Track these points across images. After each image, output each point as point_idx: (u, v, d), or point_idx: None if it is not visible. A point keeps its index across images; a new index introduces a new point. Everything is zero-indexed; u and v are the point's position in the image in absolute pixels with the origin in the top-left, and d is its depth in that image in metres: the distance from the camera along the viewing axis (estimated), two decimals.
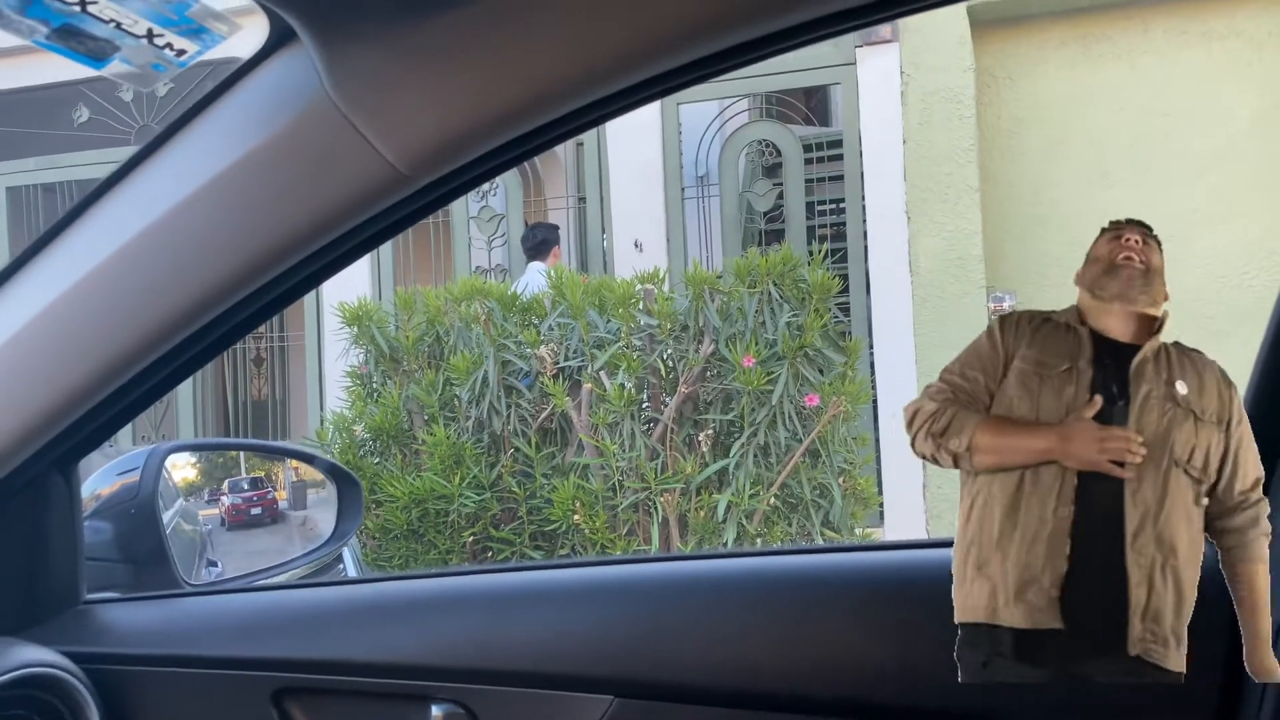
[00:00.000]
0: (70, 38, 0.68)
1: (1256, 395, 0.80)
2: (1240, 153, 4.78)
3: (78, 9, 0.66)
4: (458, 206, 5.46)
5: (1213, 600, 0.82)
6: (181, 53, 0.74)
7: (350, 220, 0.78)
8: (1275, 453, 0.80)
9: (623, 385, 3.66)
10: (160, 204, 0.79)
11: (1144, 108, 4.88)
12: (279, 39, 0.74)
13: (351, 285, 4.99)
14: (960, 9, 4.85)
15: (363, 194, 0.76)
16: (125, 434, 5.39)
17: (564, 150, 6.11)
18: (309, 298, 5.62)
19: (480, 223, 5.52)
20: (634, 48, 0.68)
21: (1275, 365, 0.78)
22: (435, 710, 0.95)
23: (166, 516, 1.33)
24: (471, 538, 3.86)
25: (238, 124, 0.76)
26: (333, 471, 1.45)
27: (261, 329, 6.38)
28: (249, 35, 0.78)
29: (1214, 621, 0.81)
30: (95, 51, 0.70)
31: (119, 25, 0.68)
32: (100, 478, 1.18)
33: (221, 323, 0.84)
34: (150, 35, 0.71)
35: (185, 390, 5.78)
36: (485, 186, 5.46)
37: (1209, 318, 4.78)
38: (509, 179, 5.53)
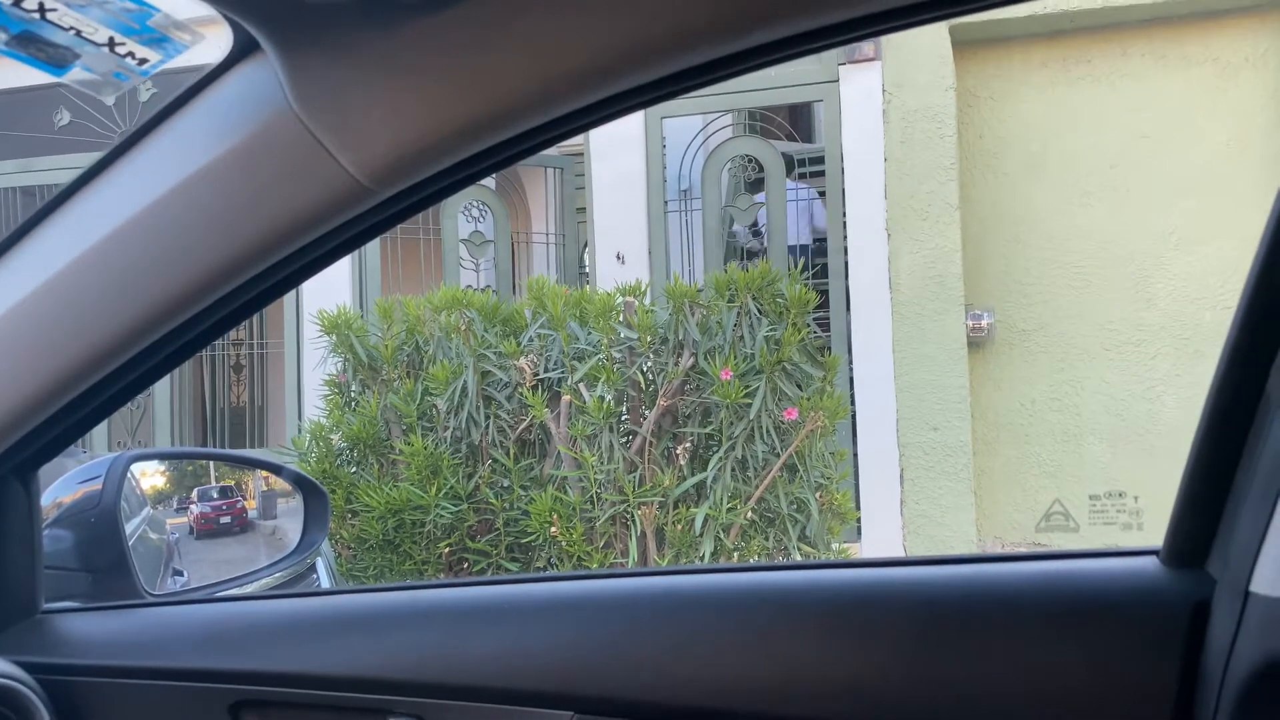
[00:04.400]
0: (29, 44, 0.68)
1: (1215, 402, 0.80)
2: (1216, 176, 4.83)
3: (37, 15, 0.66)
4: (449, 226, 5.50)
5: (1172, 601, 0.82)
6: (144, 61, 0.74)
7: (311, 232, 0.78)
8: (1233, 460, 0.80)
9: (602, 397, 3.66)
10: (121, 213, 0.78)
11: (1123, 129, 4.93)
12: (242, 50, 0.74)
13: (333, 294, 4.98)
14: (942, 29, 4.89)
15: (324, 206, 0.76)
16: (100, 439, 5.35)
17: (544, 172, 6.14)
18: (288, 305, 5.60)
19: (471, 246, 5.56)
20: (602, 63, 0.68)
21: (1234, 381, 0.79)
22: None
23: (133, 525, 1.32)
24: (448, 549, 3.84)
25: (199, 134, 0.76)
26: (299, 482, 1.44)
27: (241, 335, 6.36)
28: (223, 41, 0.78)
29: (1170, 626, 0.81)
30: (55, 59, 0.70)
31: (79, 33, 0.68)
32: (61, 486, 1.17)
33: (182, 332, 0.84)
34: (112, 43, 0.71)
35: (163, 396, 5.75)
36: (475, 212, 5.54)
37: (1185, 339, 4.82)
38: (494, 204, 5.59)
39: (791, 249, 5.20)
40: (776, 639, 0.91)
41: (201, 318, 0.83)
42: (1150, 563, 0.87)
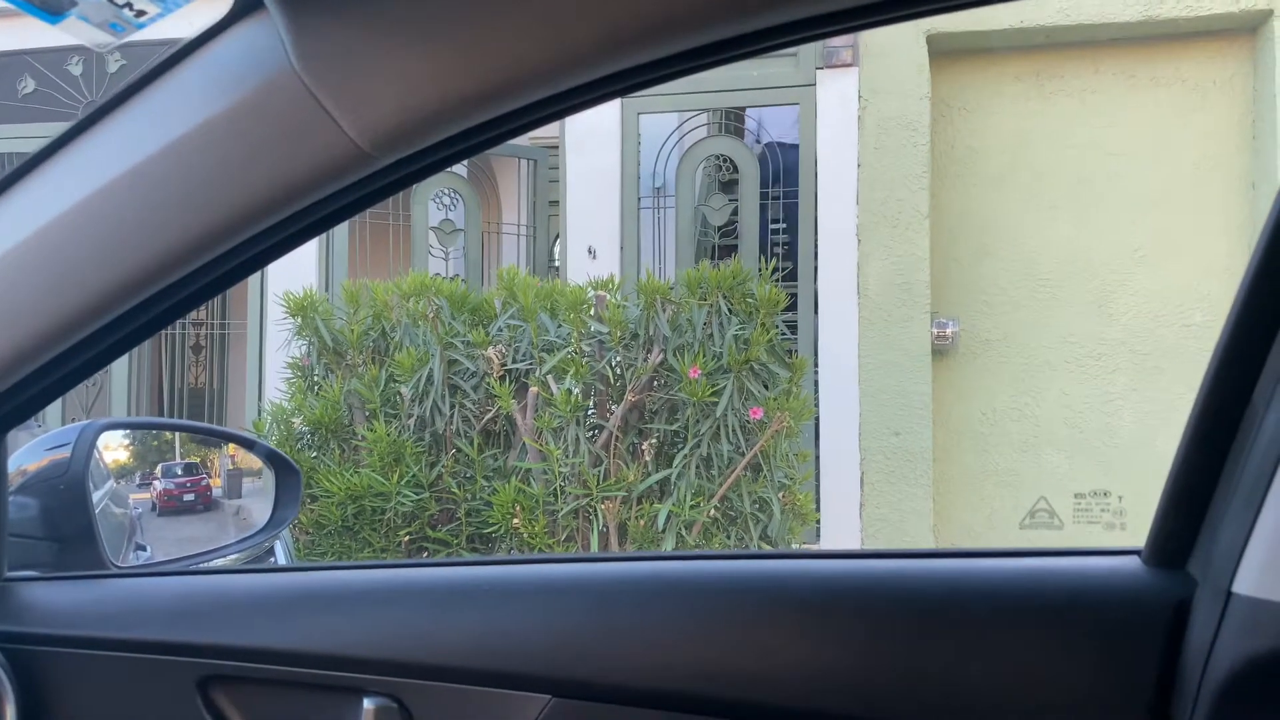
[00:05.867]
0: None
1: (1202, 406, 0.81)
2: (1181, 196, 4.92)
3: None
4: (419, 213, 5.45)
5: (1153, 600, 0.83)
6: (141, 14, 0.72)
7: (308, 196, 0.76)
8: (1218, 463, 0.82)
9: (570, 390, 3.64)
10: (111, 169, 0.76)
11: (1092, 146, 5.00)
12: (244, 7, 0.73)
13: (299, 275, 4.92)
14: (920, 39, 4.93)
15: (322, 170, 0.74)
16: (55, 416, 5.25)
17: (518, 163, 6.12)
18: (253, 285, 5.53)
19: (441, 234, 5.52)
20: (614, 38, 0.67)
21: (1221, 386, 0.80)
22: (367, 703, 0.93)
23: (96, 497, 1.29)
24: (408, 537, 3.81)
25: (196, 91, 0.74)
26: (271, 458, 1.42)
27: (202, 315, 6.26)
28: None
29: (1151, 625, 0.82)
30: (51, 4, 0.68)
31: None
32: (28, 452, 1.14)
33: (169, 295, 0.82)
34: None
35: (120, 374, 5.65)
36: (446, 200, 5.49)
37: (1145, 354, 4.90)
38: (466, 193, 5.56)
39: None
40: (758, 627, 0.91)
41: (190, 280, 0.81)
42: (1132, 562, 0.88)
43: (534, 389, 3.74)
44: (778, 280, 3.91)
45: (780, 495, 3.77)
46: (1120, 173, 4.97)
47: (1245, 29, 4.83)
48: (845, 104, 5.04)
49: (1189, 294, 4.87)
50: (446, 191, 5.54)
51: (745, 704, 0.89)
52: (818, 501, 4.76)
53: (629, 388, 3.69)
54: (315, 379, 4.18)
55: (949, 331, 5.01)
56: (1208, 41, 4.90)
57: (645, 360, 3.69)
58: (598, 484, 3.61)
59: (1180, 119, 4.93)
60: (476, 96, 0.71)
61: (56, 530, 1.08)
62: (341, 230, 5.46)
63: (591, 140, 5.28)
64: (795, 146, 5.30)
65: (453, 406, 3.86)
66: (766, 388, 3.74)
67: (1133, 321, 4.92)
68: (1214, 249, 4.86)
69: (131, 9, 0.71)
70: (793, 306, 4.86)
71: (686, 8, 0.67)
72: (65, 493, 1.08)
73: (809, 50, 5.06)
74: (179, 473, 1.69)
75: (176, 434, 1.76)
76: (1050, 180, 5.04)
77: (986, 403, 5.08)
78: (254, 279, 5.47)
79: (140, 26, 0.73)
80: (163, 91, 0.75)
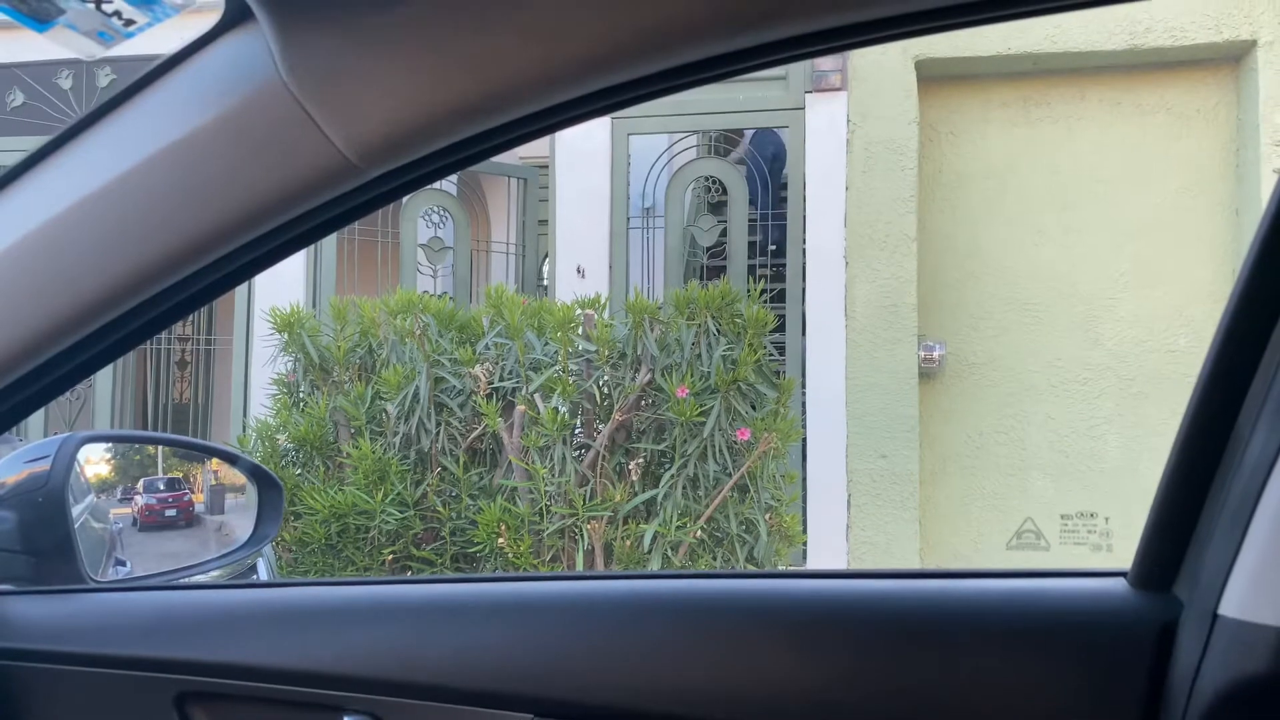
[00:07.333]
0: None
1: (1189, 428, 0.81)
2: (1166, 222, 4.96)
3: None
4: (408, 230, 5.45)
5: (1139, 622, 0.83)
6: (130, 23, 0.71)
7: (295, 208, 0.76)
8: (1204, 485, 0.82)
9: (556, 409, 3.63)
10: (96, 179, 0.76)
11: (1078, 172, 5.04)
12: (234, 17, 0.72)
13: (286, 291, 4.90)
14: (909, 64, 4.96)
15: (310, 182, 0.74)
16: (37, 429, 5.21)
17: (508, 181, 6.13)
18: (240, 301, 5.51)
19: (430, 251, 5.52)
20: (604, 52, 0.67)
21: (1207, 409, 0.80)
22: None
23: (76, 510, 1.28)
24: (391, 555, 3.78)
25: (184, 101, 0.74)
26: (255, 473, 1.40)
27: (188, 330, 6.23)
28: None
29: (1137, 648, 0.82)
30: (39, 12, 0.67)
31: None
32: (7, 465, 1.12)
33: (154, 305, 0.81)
34: (99, 0, 0.68)
35: (104, 389, 5.61)
36: (436, 217, 5.50)
37: (1129, 379, 4.93)
38: (455, 211, 5.56)
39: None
40: (742, 647, 0.90)
41: (174, 291, 0.80)
42: (1118, 584, 0.88)
43: (521, 407, 3.73)
44: (766, 301, 3.91)
45: (767, 516, 3.76)
46: (1106, 199, 5.01)
47: (1229, 58, 4.89)
48: (834, 127, 5.07)
49: (1174, 319, 4.90)
50: (436, 209, 5.54)
51: None
52: (804, 523, 4.75)
53: (616, 407, 3.68)
54: (301, 395, 4.16)
55: (936, 354, 5.03)
56: (1192, 70, 4.95)
57: (633, 379, 3.68)
58: (584, 504, 3.59)
59: (1165, 146, 4.98)
60: (466, 110, 0.71)
61: (34, 544, 1.07)
62: (330, 246, 5.46)
63: (581, 160, 5.30)
64: (784, 169, 5.33)
65: (439, 424, 3.84)
66: (754, 408, 3.74)
67: (1118, 346, 4.95)
68: (1198, 275, 4.89)
69: (120, 18, 0.71)
70: (781, 327, 4.87)
71: (678, 23, 0.67)
72: (43, 506, 1.06)
73: (798, 74, 5.09)
74: (161, 487, 1.67)
75: (159, 448, 1.74)
76: (1037, 205, 5.07)
77: (973, 426, 5.10)
78: (240, 294, 5.46)
79: (129, 36, 0.73)
80: (151, 100, 0.75)
